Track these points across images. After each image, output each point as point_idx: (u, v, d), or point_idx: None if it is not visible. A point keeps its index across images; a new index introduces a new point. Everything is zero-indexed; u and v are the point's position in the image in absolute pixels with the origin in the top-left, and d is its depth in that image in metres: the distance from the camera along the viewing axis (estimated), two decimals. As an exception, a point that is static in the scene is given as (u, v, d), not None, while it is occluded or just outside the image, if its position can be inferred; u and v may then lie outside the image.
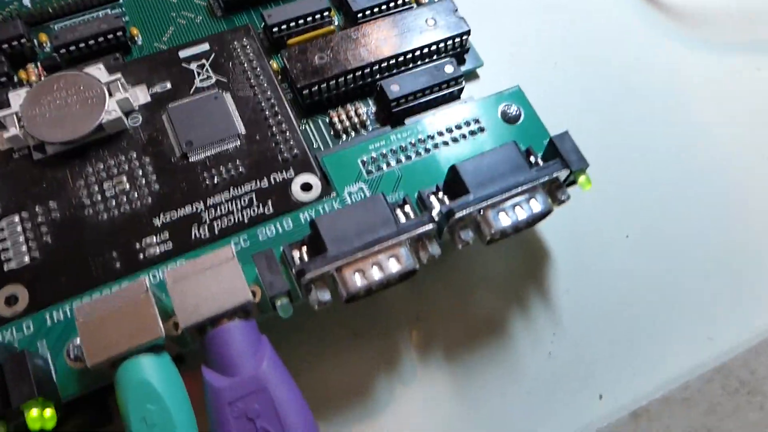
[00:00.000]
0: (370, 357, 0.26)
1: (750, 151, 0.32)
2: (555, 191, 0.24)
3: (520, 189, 0.23)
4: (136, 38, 0.30)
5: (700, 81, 0.34)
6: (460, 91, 0.30)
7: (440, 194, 0.25)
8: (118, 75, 0.26)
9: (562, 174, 0.24)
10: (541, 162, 0.25)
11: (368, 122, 0.29)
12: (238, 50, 0.28)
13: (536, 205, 0.23)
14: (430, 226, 0.23)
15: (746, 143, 0.32)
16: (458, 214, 0.23)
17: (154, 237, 0.24)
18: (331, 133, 0.29)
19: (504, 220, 0.23)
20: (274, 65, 0.30)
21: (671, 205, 0.30)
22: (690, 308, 0.28)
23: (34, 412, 0.20)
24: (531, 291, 0.28)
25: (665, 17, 0.36)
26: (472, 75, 0.32)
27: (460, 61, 0.31)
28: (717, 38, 0.35)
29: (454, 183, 0.24)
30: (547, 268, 0.28)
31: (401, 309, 0.27)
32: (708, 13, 0.36)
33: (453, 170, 0.24)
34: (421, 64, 0.30)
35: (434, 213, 0.24)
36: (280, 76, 0.30)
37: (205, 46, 0.28)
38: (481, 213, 0.23)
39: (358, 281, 0.22)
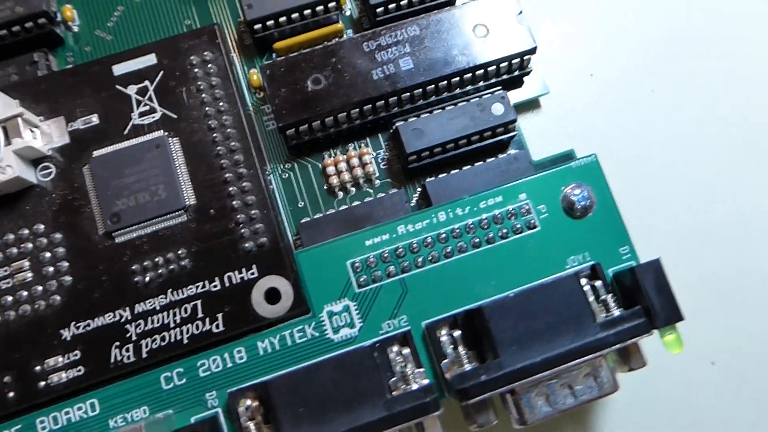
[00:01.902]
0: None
1: None
2: (629, 357, 0.16)
3: (577, 361, 0.16)
4: (70, 23, 0.22)
5: None
6: (511, 138, 0.21)
7: (456, 332, 0.17)
8: (20, 110, 0.18)
9: (644, 334, 0.16)
10: (611, 302, 0.17)
11: (376, 176, 0.21)
12: (197, 67, 0.20)
13: (594, 388, 0.16)
14: (435, 411, 0.15)
15: None
16: (475, 399, 0.15)
17: (60, 357, 0.18)
18: (324, 187, 0.21)
19: (544, 408, 0.16)
20: (255, 78, 0.22)
21: None
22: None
23: None
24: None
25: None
26: (530, 105, 0.23)
27: (515, 85, 0.22)
28: None
29: (478, 330, 0.17)
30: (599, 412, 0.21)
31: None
32: None
33: (479, 314, 0.16)
34: (460, 95, 0.21)
35: (447, 374, 0.16)
36: (260, 93, 0.22)
37: (151, 59, 0.20)
38: (514, 393, 0.16)
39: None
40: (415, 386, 0.16)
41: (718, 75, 0.23)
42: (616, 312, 0.17)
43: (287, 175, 0.21)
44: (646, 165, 0.23)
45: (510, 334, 0.16)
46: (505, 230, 0.18)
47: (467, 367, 0.16)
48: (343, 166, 0.21)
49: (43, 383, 0.17)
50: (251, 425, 0.16)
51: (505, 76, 0.21)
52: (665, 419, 0.21)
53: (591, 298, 0.17)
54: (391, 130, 0.21)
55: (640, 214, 0.21)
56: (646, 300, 0.16)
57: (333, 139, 0.21)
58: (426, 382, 0.16)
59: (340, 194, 0.21)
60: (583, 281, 0.17)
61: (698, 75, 0.23)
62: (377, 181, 0.21)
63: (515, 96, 0.22)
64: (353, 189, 0.21)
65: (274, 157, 0.21)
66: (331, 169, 0.21)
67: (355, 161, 0.21)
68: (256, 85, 0.22)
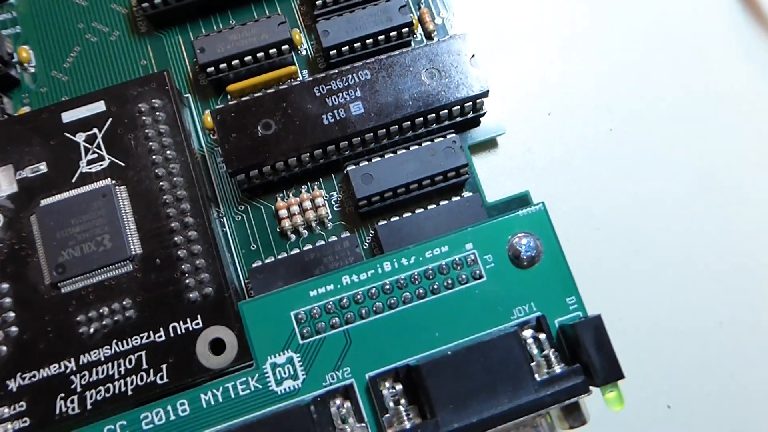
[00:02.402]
0: None
1: None
2: (568, 415, 0.16)
3: (516, 421, 0.16)
4: (26, 65, 0.22)
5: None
6: (464, 181, 0.21)
7: (398, 386, 0.17)
8: (-35, 161, 0.18)
9: (583, 394, 0.16)
10: (552, 357, 0.17)
11: (329, 218, 0.21)
12: (146, 114, 0.20)
13: (531, 449, 0.16)
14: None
15: None
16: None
17: (6, 408, 0.18)
18: (277, 229, 0.21)
19: (479, 467, 0.16)
20: (208, 120, 0.22)
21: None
22: None
23: None
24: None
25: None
26: (487, 145, 0.23)
27: (472, 125, 0.22)
28: None
29: (416, 387, 0.17)
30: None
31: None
32: None
33: (416, 372, 0.16)
34: (413, 137, 0.21)
35: (388, 430, 0.16)
36: (215, 135, 0.22)
37: (100, 106, 0.20)
38: (447, 452, 0.16)
39: None
40: (355, 443, 0.16)
41: (677, 115, 0.23)
42: (558, 369, 0.16)
43: (240, 217, 0.21)
44: (603, 204, 0.22)
45: (447, 392, 0.16)
46: (450, 281, 0.18)
47: (407, 424, 0.16)
48: (295, 209, 0.21)
49: (-12, 435, 0.18)
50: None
51: (458, 119, 0.21)
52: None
53: (534, 351, 0.17)
54: (344, 173, 0.21)
55: (592, 258, 0.21)
56: (586, 357, 0.16)
57: (286, 180, 0.21)
58: (366, 437, 0.16)
59: (293, 237, 0.21)
60: (528, 333, 0.17)
61: (656, 113, 0.23)
62: (330, 224, 0.21)
63: (472, 136, 0.22)
64: (306, 232, 0.21)
65: (227, 198, 0.21)
66: (283, 212, 0.21)
67: (307, 204, 0.21)
68: (209, 126, 0.22)
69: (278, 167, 0.20)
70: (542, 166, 0.23)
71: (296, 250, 0.21)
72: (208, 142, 0.22)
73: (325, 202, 0.21)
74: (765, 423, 0.21)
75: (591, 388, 0.16)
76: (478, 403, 0.16)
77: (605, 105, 0.23)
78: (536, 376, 0.16)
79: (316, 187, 0.21)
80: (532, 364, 0.17)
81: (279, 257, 0.20)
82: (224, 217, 0.21)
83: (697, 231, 0.22)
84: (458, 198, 0.21)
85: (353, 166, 0.20)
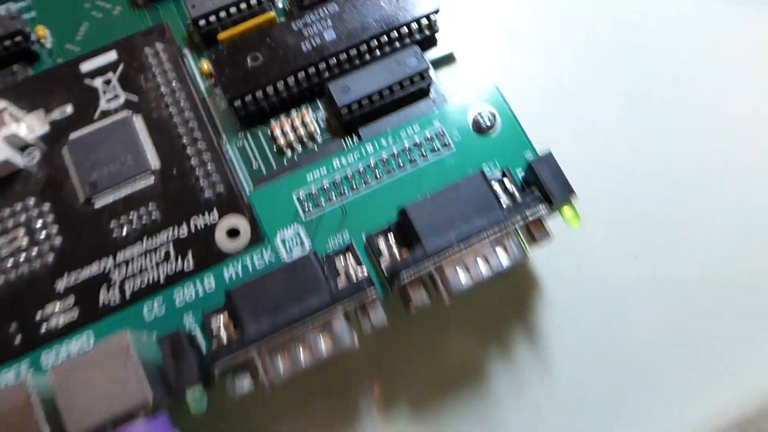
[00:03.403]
0: (326, 416, 0.23)
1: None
2: (534, 232, 0.19)
3: (487, 239, 0.19)
4: (43, 41, 0.26)
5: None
6: (429, 87, 0.24)
7: (391, 236, 0.20)
8: (4, 104, 0.22)
9: (542, 210, 0.19)
10: (517, 193, 0.20)
11: (317, 133, 0.24)
12: (151, 58, 0.23)
13: (505, 258, 0.19)
14: (372, 296, 0.18)
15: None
16: (405, 278, 0.18)
17: (57, 304, 0.20)
18: (274, 149, 0.24)
19: (464, 278, 0.19)
20: (205, 67, 0.25)
21: (686, 231, 0.25)
22: (704, 351, 0.23)
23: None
24: (514, 329, 0.23)
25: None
26: (446, 60, 0.26)
27: (431, 44, 0.26)
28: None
29: (404, 229, 0.20)
30: (534, 301, 0.24)
31: (360, 359, 0.23)
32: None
33: (403, 215, 0.19)
34: (380, 55, 0.25)
35: (383, 265, 0.19)
36: (213, 79, 0.25)
37: (112, 56, 0.23)
38: (437, 271, 0.19)
39: (281, 368, 0.18)
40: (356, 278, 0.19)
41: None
42: (521, 199, 0.20)
43: (241, 143, 0.24)
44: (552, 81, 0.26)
45: (430, 225, 0.19)
46: (424, 152, 0.21)
47: (395, 264, 0.19)
48: (288, 128, 0.24)
49: (44, 328, 0.20)
50: (222, 333, 0.19)
51: (417, 36, 0.25)
52: (597, 313, 0.24)
53: (501, 192, 0.20)
54: (325, 91, 0.24)
55: (546, 124, 0.24)
56: (544, 185, 0.19)
57: (276, 107, 0.25)
58: (366, 273, 0.19)
59: (289, 152, 0.24)
60: (496, 184, 0.21)
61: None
62: (319, 138, 0.24)
63: (432, 53, 0.26)
64: (299, 147, 0.24)
65: (228, 130, 0.25)
66: (278, 132, 0.24)
67: (297, 123, 0.24)
68: (206, 72, 0.25)
69: (268, 92, 0.24)
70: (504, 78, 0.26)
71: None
72: (207, 86, 0.25)
73: (313, 120, 0.25)
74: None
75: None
76: (456, 229, 0.19)
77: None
78: (503, 204, 0.19)
79: (303, 109, 0.25)
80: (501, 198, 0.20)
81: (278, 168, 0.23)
82: (227, 144, 0.24)
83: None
84: (425, 99, 0.24)
85: (333, 83, 0.24)
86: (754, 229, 0.25)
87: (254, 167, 0.24)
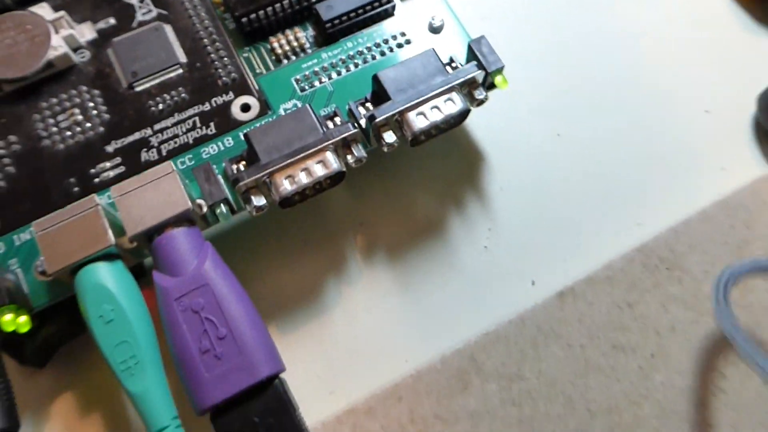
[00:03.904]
0: (318, 262, 0.29)
1: (681, 45, 0.33)
2: (473, 92, 0.26)
3: (437, 91, 0.25)
4: (82, -18, 0.32)
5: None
6: (393, 8, 0.31)
7: (368, 104, 0.26)
8: (62, 13, 0.28)
9: (479, 75, 0.26)
10: (460, 66, 0.27)
11: (307, 45, 0.31)
12: (176, -17, 0.30)
13: (452, 106, 0.25)
14: (352, 130, 0.24)
15: (678, 38, 0.33)
16: (379, 118, 0.25)
17: (107, 162, 0.26)
18: (273, 58, 0.31)
19: (422, 121, 0.25)
20: (215, -4, 0.32)
21: (600, 100, 0.31)
22: (619, 197, 0.30)
23: (7, 317, 0.22)
24: (467, 191, 0.30)
25: None
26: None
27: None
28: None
29: (377, 91, 0.26)
30: (482, 168, 0.30)
31: (345, 216, 0.29)
32: None
33: (375, 79, 0.26)
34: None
35: (360, 120, 0.25)
36: (222, 7, 0.31)
37: (145, -19, 0.30)
38: (402, 116, 0.25)
39: (287, 186, 0.24)
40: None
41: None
42: (464, 70, 0.26)
43: (247, 55, 0.31)
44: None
45: (397, 86, 0.25)
46: (392, 46, 0.28)
47: (372, 110, 0.25)
48: (284, 41, 0.31)
49: (97, 179, 0.26)
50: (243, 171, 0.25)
51: (385, -30, 0.32)
52: (530, 176, 0.30)
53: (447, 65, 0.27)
54: (313, 12, 0.31)
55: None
56: (479, 58, 0.26)
57: (273, 27, 0.31)
58: (349, 125, 0.25)
59: (285, 61, 0.31)
60: (445, 59, 0.27)
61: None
62: (309, 51, 0.31)
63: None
64: (293, 57, 0.31)
65: (236, 46, 0.31)
66: (276, 44, 0.30)
67: (291, 38, 0.31)
68: (217, 0, 0.31)
69: (269, 11, 0.30)
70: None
71: (288, 66, 0.30)
72: (219, 13, 0.31)
73: (303, 36, 0.31)
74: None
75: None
76: (415, 87, 0.25)
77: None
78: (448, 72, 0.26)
79: (296, 28, 0.31)
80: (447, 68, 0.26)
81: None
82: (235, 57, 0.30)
83: None
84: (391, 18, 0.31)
85: (319, 4, 0.30)
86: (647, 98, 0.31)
87: (258, 72, 0.31)
